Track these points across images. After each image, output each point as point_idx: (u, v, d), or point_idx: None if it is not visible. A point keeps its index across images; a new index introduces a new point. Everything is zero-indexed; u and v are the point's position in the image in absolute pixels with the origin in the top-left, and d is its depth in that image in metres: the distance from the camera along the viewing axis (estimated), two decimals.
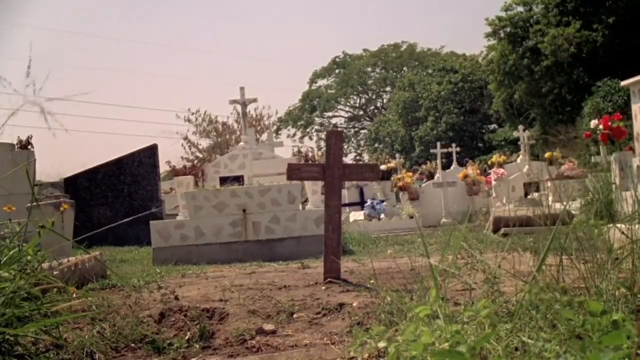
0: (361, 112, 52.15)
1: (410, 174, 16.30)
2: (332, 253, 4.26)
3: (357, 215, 12.95)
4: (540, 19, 27.16)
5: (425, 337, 1.69)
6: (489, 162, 17.30)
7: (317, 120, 50.46)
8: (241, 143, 14.61)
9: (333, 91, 50.33)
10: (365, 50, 49.84)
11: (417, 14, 73.87)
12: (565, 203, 3.00)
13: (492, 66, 29.42)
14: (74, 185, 12.16)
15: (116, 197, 12.17)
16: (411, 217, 12.33)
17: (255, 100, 14.64)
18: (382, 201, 13.25)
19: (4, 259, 2.81)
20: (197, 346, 2.78)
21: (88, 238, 7.42)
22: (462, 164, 18.43)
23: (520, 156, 15.95)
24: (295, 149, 21.70)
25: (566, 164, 12.84)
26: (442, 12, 74.41)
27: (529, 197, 12.69)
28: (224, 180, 12.57)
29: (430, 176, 16.87)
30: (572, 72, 25.46)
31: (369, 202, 13.10)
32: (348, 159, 43.91)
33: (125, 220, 9.34)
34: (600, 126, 8.21)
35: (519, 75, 27.45)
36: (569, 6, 25.80)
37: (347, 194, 14.87)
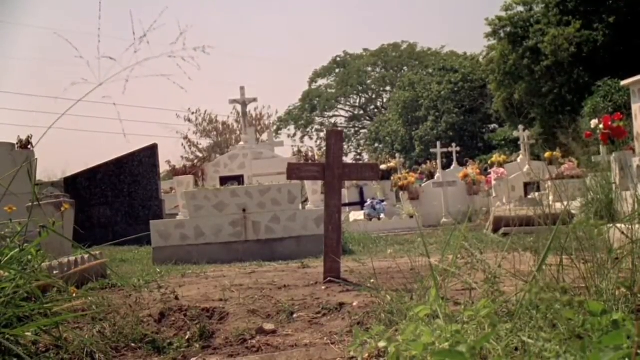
0: (361, 112, 52.16)
1: (413, 174, 16.31)
2: (332, 253, 4.26)
3: (357, 215, 12.95)
4: (540, 19, 27.17)
5: (425, 337, 1.69)
6: (489, 162, 17.32)
7: (317, 119, 50.48)
8: (241, 143, 14.61)
9: (333, 91, 50.33)
10: (365, 49, 49.88)
11: (417, 14, 73.92)
12: (565, 203, 3.00)
13: (492, 66, 29.44)
14: (74, 184, 12.16)
15: (116, 197, 12.18)
16: (411, 217, 12.33)
17: (255, 100, 14.65)
18: (382, 201, 13.25)
19: (5, 259, 2.81)
20: (197, 346, 2.78)
21: (87, 238, 7.39)
22: (462, 163, 18.45)
23: (521, 156, 15.96)
24: (295, 149, 21.69)
25: (566, 163, 12.85)
26: (442, 12, 74.48)
27: (529, 196, 12.69)
28: (224, 180, 12.57)
29: (431, 176, 16.89)
30: (573, 72, 25.46)
31: (369, 202, 13.10)
32: (348, 159, 43.93)
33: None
34: (601, 126, 8.21)
35: (519, 75, 27.47)
36: (569, 6, 25.81)
37: (347, 193, 14.88)
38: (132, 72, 2.31)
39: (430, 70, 42.32)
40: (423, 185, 16.02)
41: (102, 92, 2.37)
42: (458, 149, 18.61)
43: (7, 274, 2.64)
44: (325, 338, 2.75)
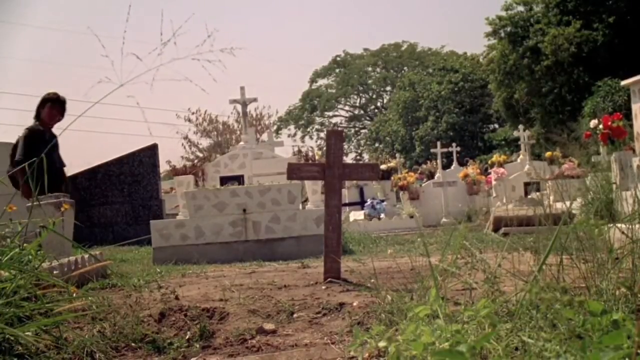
0: (361, 112, 52.16)
1: (413, 173, 16.30)
2: (332, 252, 4.26)
3: (357, 214, 12.94)
4: (540, 19, 27.18)
5: (425, 337, 1.69)
6: (490, 162, 17.32)
7: (318, 119, 50.49)
8: (241, 143, 14.59)
9: (333, 91, 50.34)
10: (365, 49, 49.89)
11: (417, 14, 73.93)
12: (565, 203, 3.01)
13: (493, 66, 29.43)
14: (73, 184, 12.15)
15: (116, 197, 12.17)
16: (411, 217, 12.33)
17: (255, 99, 14.63)
18: (382, 201, 13.25)
19: (5, 259, 2.81)
20: (198, 345, 2.78)
21: (88, 237, 7.38)
22: (462, 163, 18.45)
23: (521, 156, 15.96)
24: (296, 149, 21.68)
25: (566, 163, 12.84)
26: (442, 12, 74.50)
27: (529, 196, 12.69)
28: (224, 180, 12.57)
29: (431, 176, 16.89)
30: (573, 71, 25.46)
31: (369, 201, 13.10)
32: (348, 159, 43.93)
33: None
34: (600, 126, 8.20)
35: (520, 74, 27.46)
36: (569, 5, 25.81)
37: (347, 193, 14.86)
38: (157, 72, 2.30)
39: (431, 70, 42.36)
40: (423, 185, 16.01)
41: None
42: (458, 149, 18.62)
43: (7, 274, 2.64)
44: (326, 338, 2.75)
